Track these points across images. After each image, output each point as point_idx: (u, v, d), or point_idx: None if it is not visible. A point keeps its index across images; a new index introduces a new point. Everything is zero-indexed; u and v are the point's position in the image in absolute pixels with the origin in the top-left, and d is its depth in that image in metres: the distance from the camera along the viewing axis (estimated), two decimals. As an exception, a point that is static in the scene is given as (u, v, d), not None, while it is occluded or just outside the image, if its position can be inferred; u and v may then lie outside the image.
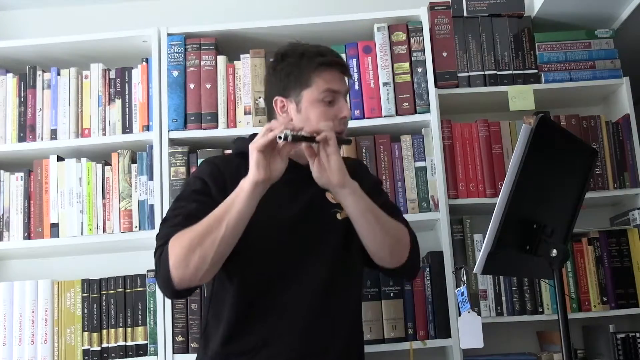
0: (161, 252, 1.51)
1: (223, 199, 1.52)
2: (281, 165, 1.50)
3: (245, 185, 1.47)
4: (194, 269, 1.47)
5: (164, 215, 1.63)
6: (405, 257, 1.64)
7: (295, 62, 1.65)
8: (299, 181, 1.59)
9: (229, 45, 2.43)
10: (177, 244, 1.48)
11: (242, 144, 1.72)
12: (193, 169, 2.27)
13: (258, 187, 1.47)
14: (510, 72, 2.40)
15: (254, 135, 1.71)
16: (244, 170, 1.52)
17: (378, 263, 1.66)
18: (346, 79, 1.71)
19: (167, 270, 1.48)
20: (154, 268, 1.56)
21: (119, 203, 2.29)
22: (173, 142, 2.31)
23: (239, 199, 1.47)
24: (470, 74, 2.39)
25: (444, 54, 2.38)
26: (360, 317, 1.75)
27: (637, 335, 2.16)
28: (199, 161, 2.27)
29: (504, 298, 2.23)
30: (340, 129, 1.64)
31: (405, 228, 1.68)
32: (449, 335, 2.15)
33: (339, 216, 1.65)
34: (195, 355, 2.13)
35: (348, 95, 2.25)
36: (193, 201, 1.59)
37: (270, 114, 1.73)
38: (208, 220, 1.48)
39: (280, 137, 1.44)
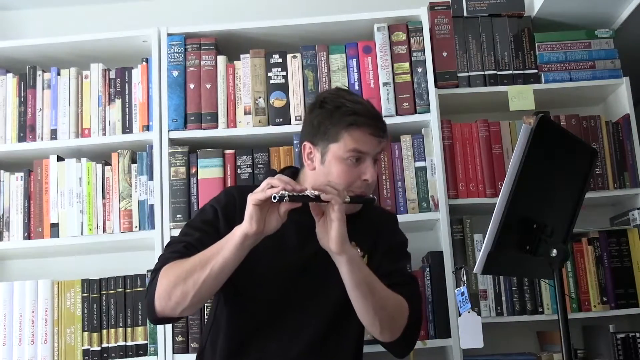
0: (153, 277, 1.54)
1: (229, 232, 1.51)
2: (277, 221, 1.47)
3: (236, 235, 1.45)
4: (174, 303, 1.49)
5: (173, 237, 1.67)
6: (397, 334, 1.59)
7: (329, 114, 1.62)
8: (309, 226, 1.54)
9: (229, 45, 2.43)
10: (166, 275, 1.50)
11: (274, 174, 1.67)
12: (193, 169, 2.27)
13: (248, 239, 1.45)
14: (510, 72, 2.40)
15: (285, 169, 1.74)
16: None
17: (369, 331, 1.63)
18: (383, 140, 1.64)
19: (152, 299, 1.51)
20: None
21: (119, 203, 2.29)
22: (173, 142, 2.31)
23: (227, 247, 1.46)
24: (470, 74, 2.39)
25: (444, 54, 2.38)
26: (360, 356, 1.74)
27: (637, 335, 2.16)
28: (199, 161, 2.27)
29: (504, 298, 2.23)
30: (360, 191, 1.62)
31: (405, 305, 1.60)
32: (449, 335, 2.15)
33: None
34: (195, 355, 2.15)
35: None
36: (199, 230, 1.61)
37: (300, 156, 1.73)
38: (196, 259, 1.49)
39: (275, 198, 1.41)
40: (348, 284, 1.53)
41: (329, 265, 1.55)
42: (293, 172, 1.74)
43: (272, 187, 1.44)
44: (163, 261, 1.55)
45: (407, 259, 1.80)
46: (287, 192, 1.42)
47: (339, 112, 1.61)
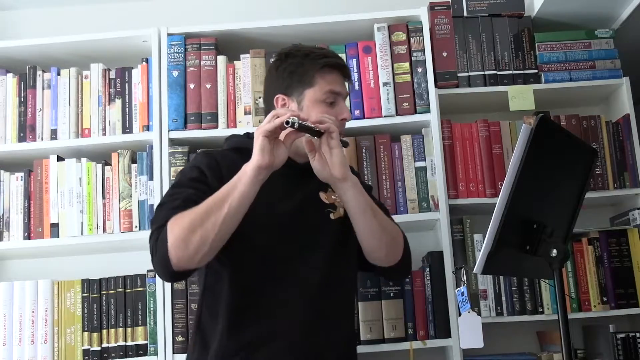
0: (159, 234, 1.49)
1: (220, 187, 1.51)
2: (284, 153, 1.50)
3: (248, 169, 1.47)
4: (193, 250, 1.45)
5: (160, 201, 1.61)
6: (399, 255, 1.67)
7: (300, 62, 1.66)
8: (294, 177, 1.61)
9: (229, 45, 2.43)
10: (177, 225, 1.46)
11: (237, 140, 1.73)
12: (193, 169, 2.27)
13: (261, 172, 1.47)
14: (510, 72, 2.40)
15: (248, 134, 1.72)
16: (240, 165, 1.52)
17: (373, 262, 1.67)
18: (347, 83, 1.72)
19: (166, 251, 1.46)
20: (150, 255, 1.53)
21: (119, 203, 2.29)
22: (173, 142, 2.31)
23: (242, 182, 1.47)
24: (470, 74, 2.39)
25: (444, 54, 2.38)
26: (354, 315, 1.78)
27: (637, 335, 2.16)
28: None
29: (504, 298, 2.23)
30: (340, 130, 1.63)
31: (398, 228, 1.71)
32: (449, 335, 2.15)
33: (332, 216, 1.65)
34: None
35: (348, 97, 2.25)
36: (190, 187, 1.58)
37: (269, 111, 1.71)
38: (209, 202, 1.47)
39: (287, 123, 1.44)
40: (354, 208, 1.57)
41: (318, 211, 1.64)
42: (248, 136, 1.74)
43: (277, 117, 1.47)
44: (163, 218, 1.50)
45: (371, 189, 1.88)
46: (297, 119, 1.45)
47: (309, 58, 1.66)
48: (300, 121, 1.46)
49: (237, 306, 1.57)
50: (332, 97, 1.65)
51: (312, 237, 1.62)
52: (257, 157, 1.46)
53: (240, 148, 1.66)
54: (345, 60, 2.34)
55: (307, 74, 1.65)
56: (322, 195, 1.67)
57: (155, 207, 2.16)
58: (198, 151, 1.76)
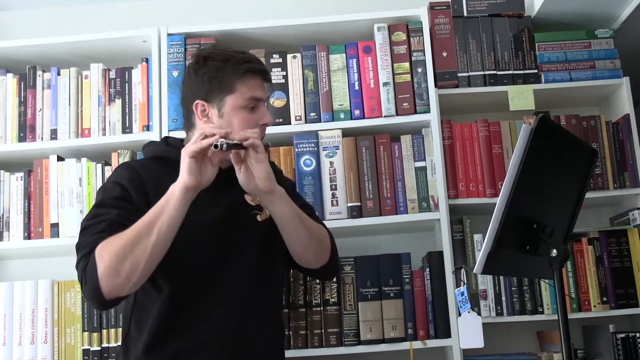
0: (86, 262, 1.45)
1: (145, 204, 1.51)
2: (212, 172, 1.51)
3: (175, 191, 1.46)
4: (125, 277, 1.43)
5: (83, 223, 1.56)
6: (327, 258, 1.70)
7: (220, 67, 1.63)
8: (218, 185, 1.56)
9: (229, 45, 2.43)
10: (106, 252, 1.43)
11: (156, 149, 1.72)
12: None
13: (189, 193, 1.46)
14: (510, 72, 2.40)
15: (167, 140, 1.73)
16: (165, 175, 1.53)
17: (300, 264, 1.70)
18: (266, 85, 1.70)
19: (96, 281, 1.43)
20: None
21: (119, 203, 2.28)
22: (173, 142, 2.30)
23: (170, 205, 1.45)
24: (470, 74, 2.39)
25: (444, 54, 2.38)
26: (282, 315, 1.80)
27: (637, 335, 2.16)
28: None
29: (504, 298, 2.23)
30: (261, 136, 1.63)
31: (325, 230, 1.73)
32: (449, 335, 2.15)
33: (259, 218, 1.66)
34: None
35: (348, 95, 2.28)
36: (114, 207, 1.54)
37: (188, 117, 1.69)
38: (138, 227, 1.45)
39: (216, 147, 1.44)
40: (281, 218, 1.59)
41: (245, 216, 1.64)
42: (176, 141, 1.74)
43: (205, 137, 1.46)
44: (89, 244, 1.47)
45: (302, 197, 1.90)
46: (225, 141, 1.45)
47: (229, 63, 1.63)
48: (227, 142, 1.46)
49: (163, 319, 1.56)
50: (253, 103, 1.63)
51: (238, 243, 1.62)
52: (184, 178, 1.45)
53: (161, 157, 1.65)
54: (345, 60, 2.35)
55: (228, 80, 1.62)
56: (248, 198, 1.67)
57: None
58: (120, 164, 1.73)
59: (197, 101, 1.64)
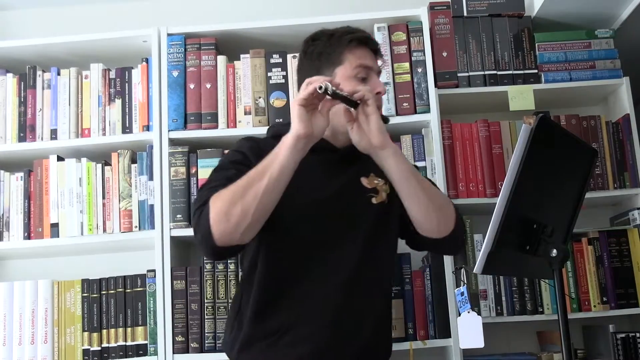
0: (201, 211, 1.48)
1: None
2: (323, 122, 1.48)
3: (287, 140, 1.45)
4: (235, 223, 1.44)
5: (203, 184, 1.59)
6: (452, 225, 1.61)
7: (326, 42, 1.65)
8: (334, 164, 1.58)
9: (229, 45, 2.43)
10: (219, 199, 1.46)
11: (277, 128, 1.72)
12: (193, 169, 2.27)
13: (300, 141, 1.45)
14: (510, 72, 2.40)
15: (288, 124, 1.69)
16: None
17: (425, 234, 1.62)
18: (378, 58, 1.69)
19: (208, 226, 1.44)
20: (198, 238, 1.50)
21: (119, 203, 2.29)
22: (173, 142, 2.31)
23: (282, 152, 1.45)
24: (470, 74, 2.39)
25: (444, 54, 2.38)
26: (390, 308, 1.74)
27: (637, 335, 2.16)
28: (199, 161, 2.27)
29: (504, 298, 2.23)
30: (377, 105, 1.60)
31: (446, 196, 1.67)
32: (449, 335, 2.15)
33: (374, 200, 1.62)
34: (195, 355, 2.14)
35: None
36: (232, 168, 1.57)
37: None
38: (250, 174, 1.47)
39: (320, 88, 1.42)
40: (397, 176, 1.54)
41: (357, 197, 1.61)
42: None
43: (311, 83, 1.45)
44: (205, 196, 1.49)
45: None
46: (330, 85, 1.42)
47: (334, 37, 1.64)
48: (333, 88, 1.43)
49: (268, 293, 1.57)
50: (363, 72, 1.62)
51: (349, 223, 1.60)
52: (295, 126, 1.45)
53: (281, 135, 1.62)
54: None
55: (335, 52, 1.63)
56: (364, 181, 1.64)
57: (154, 207, 2.16)
58: (241, 137, 1.74)
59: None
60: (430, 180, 1.76)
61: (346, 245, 1.59)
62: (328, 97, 1.44)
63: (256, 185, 1.44)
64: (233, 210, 1.43)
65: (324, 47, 1.64)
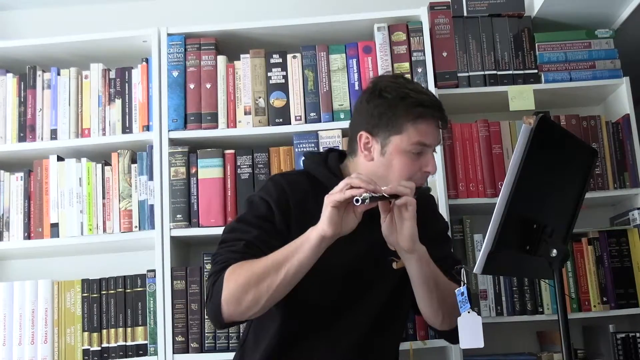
0: (215, 280, 1.48)
1: (285, 226, 1.51)
2: (353, 222, 1.43)
3: (312, 237, 1.41)
4: (245, 308, 1.45)
5: (223, 234, 1.57)
6: (455, 324, 1.56)
7: (392, 104, 1.55)
8: (359, 226, 1.46)
9: (229, 45, 2.43)
10: (233, 280, 1.45)
11: (312, 166, 1.66)
12: (193, 169, 2.27)
13: (325, 241, 1.41)
14: (510, 72, 2.40)
15: (326, 157, 1.66)
16: (311, 196, 1.51)
17: (428, 322, 1.63)
18: (441, 131, 1.62)
19: (219, 304, 1.45)
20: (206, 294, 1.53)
21: (119, 203, 2.28)
22: (173, 142, 2.31)
23: (303, 249, 1.41)
24: (470, 74, 2.39)
25: (444, 54, 2.38)
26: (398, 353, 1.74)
27: (637, 335, 2.16)
28: (199, 161, 2.27)
29: (504, 298, 2.23)
30: (420, 183, 1.58)
31: None
32: (449, 335, 2.14)
33: (394, 265, 1.56)
34: (195, 355, 2.14)
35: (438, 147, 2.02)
36: (255, 227, 1.54)
37: (351, 143, 1.64)
38: (267, 262, 1.44)
39: (357, 201, 1.36)
40: (416, 279, 1.52)
41: (379, 262, 1.55)
42: (340, 155, 1.69)
43: (351, 187, 1.39)
44: (224, 261, 1.49)
45: (451, 243, 1.78)
46: (368, 194, 1.36)
47: (403, 103, 1.54)
48: (372, 194, 1.37)
49: (279, 342, 1.56)
50: (419, 149, 1.55)
51: (367, 288, 1.58)
52: (323, 226, 1.39)
53: (315, 176, 1.61)
54: (345, 60, 2.35)
55: (398, 120, 1.54)
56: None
57: (154, 207, 2.13)
58: (273, 175, 1.70)
59: (361, 132, 1.59)
60: (452, 258, 1.69)
61: (359, 311, 1.58)
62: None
63: (271, 277, 1.42)
64: (245, 297, 1.43)
65: (387, 108, 1.55)
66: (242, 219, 1.59)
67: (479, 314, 2.11)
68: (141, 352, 2.20)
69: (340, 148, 2.26)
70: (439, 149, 2.25)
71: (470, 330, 1.96)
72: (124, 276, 2.25)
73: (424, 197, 1.70)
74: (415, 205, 1.44)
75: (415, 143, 1.54)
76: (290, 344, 1.56)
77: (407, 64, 2.34)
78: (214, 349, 2.14)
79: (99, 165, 2.32)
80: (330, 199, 1.39)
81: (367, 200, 1.36)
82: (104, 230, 2.27)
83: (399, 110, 1.54)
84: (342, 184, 1.40)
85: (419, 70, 2.33)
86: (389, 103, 1.55)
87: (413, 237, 1.45)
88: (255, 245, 1.50)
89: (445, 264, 1.59)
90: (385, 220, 1.47)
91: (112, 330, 2.22)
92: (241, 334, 1.74)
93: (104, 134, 2.35)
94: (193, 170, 2.28)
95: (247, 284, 1.43)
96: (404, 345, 2.12)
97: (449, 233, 1.86)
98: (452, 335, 1.61)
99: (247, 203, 1.62)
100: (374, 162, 1.58)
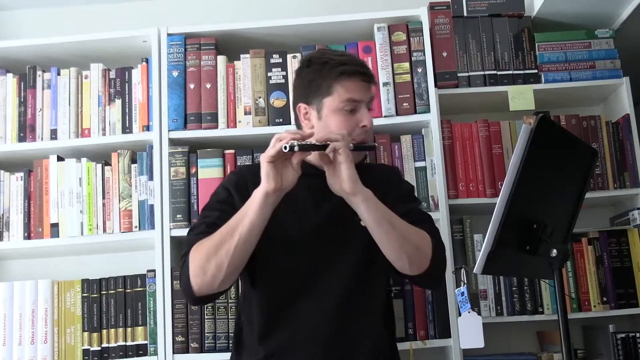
0: (184, 261, 1.57)
1: None
2: (293, 175, 1.51)
3: (256, 196, 1.50)
4: (210, 277, 1.51)
5: (192, 225, 1.68)
6: (425, 266, 1.59)
7: (318, 70, 1.67)
8: (322, 188, 1.57)
9: (229, 45, 2.43)
10: (197, 253, 1.54)
11: None
12: (193, 169, 2.27)
13: (269, 197, 1.49)
14: (510, 72, 2.40)
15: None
16: None
17: (398, 270, 1.64)
18: (372, 86, 1.71)
19: (188, 279, 1.54)
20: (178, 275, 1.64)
21: (119, 203, 2.28)
22: (173, 142, 2.31)
23: (251, 209, 1.50)
24: (470, 74, 2.39)
25: (444, 54, 2.38)
26: (391, 328, 1.76)
27: (637, 335, 2.16)
28: (199, 161, 2.27)
29: (504, 298, 2.23)
30: (361, 138, 1.65)
31: (427, 236, 1.62)
32: (449, 335, 2.15)
33: (362, 223, 1.60)
34: (195, 355, 2.14)
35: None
36: (216, 210, 1.64)
37: (296, 120, 1.76)
38: (222, 230, 1.53)
39: (285, 148, 1.45)
40: (369, 223, 1.55)
41: (347, 220, 1.60)
42: None
43: (280, 140, 1.48)
44: (190, 244, 1.58)
45: (417, 202, 1.80)
46: (296, 142, 1.46)
47: (327, 66, 1.66)
48: (302, 142, 1.47)
49: (266, 316, 1.62)
50: (351, 105, 1.65)
51: (337, 249, 1.63)
52: (263, 183, 1.49)
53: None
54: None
55: (325, 82, 1.65)
56: None
57: (154, 207, 2.19)
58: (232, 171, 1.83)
59: (299, 104, 1.71)
60: (419, 212, 1.72)
61: (338, 270, 1.62)
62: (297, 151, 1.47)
63: (227, 242, 1.50)
64: (208, 265, 1.51)
65: (315, 75, 1.67)
66: (205, 207, 1.70)
67: (479, 314, 2.13)
68: (141, 352, 2.20)
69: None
70: (438, 149, 2.26)
71: (471, 330, 1.96)
72: (124, 276, 2.26)
73: (388, 168, 1.94)
74: (346, 149, 1.50)
75: (345, 100, 1.64)
76: (279, 312, 1.61)
77: (407, 64, 2.34)
78: (214, 349, 2.14)
79: (99, 165, 2.32)
80: (265, 156, 1.48)
81: (295, 147, 1.45)
82: (104, 230, 2.27)
83: (325, 73, 1.66)
84: (272, 140, 1.50)
85: (419, 70, 2.33)
86: (315, 70, 1.68)
87: (352, 178, 1.50)
88: (216, 225, 1.57)
89: (409, 217, 1.62)
90: (329, 171, 1.54)
91: (112, 330, 2.22)
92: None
93: (104, 134, 2.35)
94: (193, 170, 2.28)
95: (208, 254, 1.51)
96: (404, 345, 2.13)
97: (415, 193, 1.92)
98: (424, 280, 1.64)
99: (212, 194, 1.73)
100: (315, 128, 1.67)
